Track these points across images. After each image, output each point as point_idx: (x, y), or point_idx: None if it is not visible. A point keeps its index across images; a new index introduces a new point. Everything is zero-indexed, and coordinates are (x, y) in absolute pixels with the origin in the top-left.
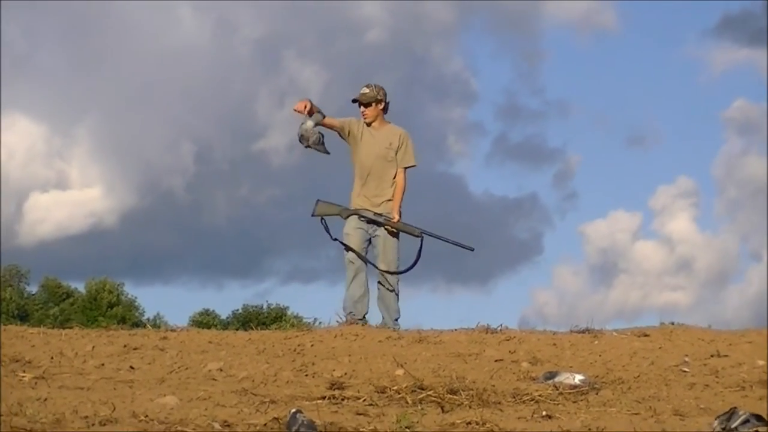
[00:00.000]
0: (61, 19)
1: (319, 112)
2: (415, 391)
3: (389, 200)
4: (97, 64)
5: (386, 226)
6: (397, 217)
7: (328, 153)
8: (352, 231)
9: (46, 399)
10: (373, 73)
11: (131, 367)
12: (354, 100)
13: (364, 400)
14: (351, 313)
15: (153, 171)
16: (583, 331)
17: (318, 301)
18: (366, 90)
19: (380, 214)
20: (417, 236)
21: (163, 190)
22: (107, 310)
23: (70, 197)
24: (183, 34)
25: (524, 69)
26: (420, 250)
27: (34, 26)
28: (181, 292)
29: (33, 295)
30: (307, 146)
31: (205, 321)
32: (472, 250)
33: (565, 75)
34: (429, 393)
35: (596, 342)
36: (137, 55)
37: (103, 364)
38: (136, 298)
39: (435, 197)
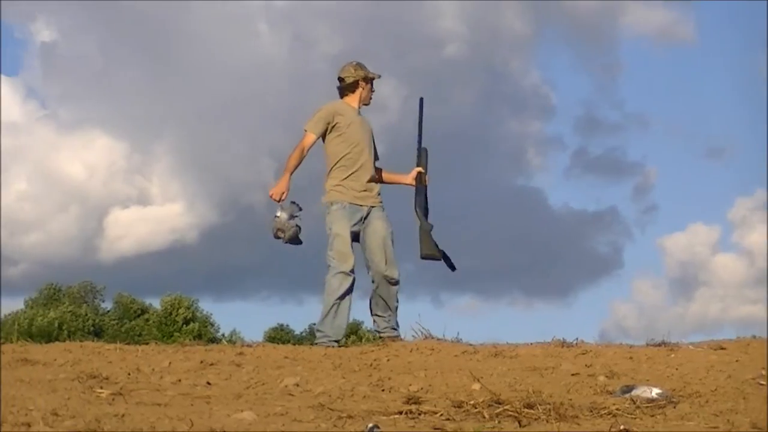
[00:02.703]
0: (138, 35)
1: (293, 203)
2: (491, 405)
3: (378, 193)
4: (175, 80)
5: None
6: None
7: (301, 243)
8: (343, 238)
9: (123, 415)
10: (452, 88)
11: (208, 383)
12: (375, 77)
13: (441, 414)
14: (332, 341)
15: (233, 187)
16: (659, 345)
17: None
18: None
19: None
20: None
21: (244, 206)
22: (183, 326)
23: (151, 213)
24: (260, 49)
25: (603, 82)
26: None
27: (111, 42)
28: (260, 307)
29: (108, 311)
30: (285, 242)
31: (279, 336)
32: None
33: (644, 87)
34: (506, 407)
35: (672, 355)
36: (215, 70)
37: (179, 380)
38: (211, 314)
39: (514, 211)
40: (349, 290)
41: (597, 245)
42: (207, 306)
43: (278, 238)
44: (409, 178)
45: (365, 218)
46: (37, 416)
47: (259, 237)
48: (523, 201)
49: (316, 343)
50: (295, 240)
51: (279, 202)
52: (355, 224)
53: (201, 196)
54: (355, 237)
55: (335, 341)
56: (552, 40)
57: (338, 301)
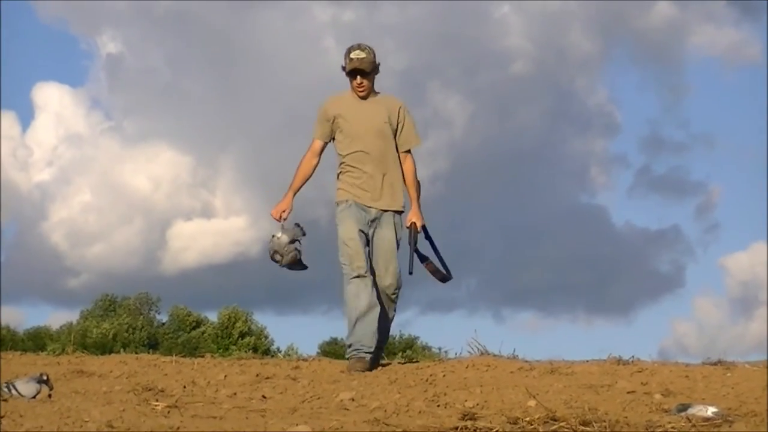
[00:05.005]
0: (205, 49)
1: (298, 225)
2: (547, 422)
3: (393, 192)
4: (241, 94)
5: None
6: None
7: (306, 268)
8: (351, 240)
9: (178, 428)
10: (517, 105)
11: (263, 397)
12: (354, 70)
13: (497, 430)
14: (363, 352)
15: (297, 202)
16: (715, 364)
17: (455, 331)
18: (362, 54)
19: (414, 231)
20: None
21: (307, 221)
22: (238, 339)
23: (214, 227)
24: (328, 64)
25: (669, 101)
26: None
27: (178, 56)
28: (321, 321)
29: (163, 324)
30: (281, 267)
31: (332, 350)
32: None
33: (709, 107)
34: (562, 424)
35: (729, 374)
36: (282, 85)
37: (235, 393)
38: (265, 327)
39: (578, 228)
40: (369, 294)
41: (659, 264)
42: (268, 319)
43: (275, 261)
44: (413, 215)
45: (374, 221)
46: (93, 428)
47: (321, 251)
48: (586, 218)
49: (348, 358)
50: (295, 265)
51: (279, 221)
52: (363, 225)
53: (265, 210)
54: (367, 241)
55: (367, 352)
56: (618, 59)
57: (361, 310)
